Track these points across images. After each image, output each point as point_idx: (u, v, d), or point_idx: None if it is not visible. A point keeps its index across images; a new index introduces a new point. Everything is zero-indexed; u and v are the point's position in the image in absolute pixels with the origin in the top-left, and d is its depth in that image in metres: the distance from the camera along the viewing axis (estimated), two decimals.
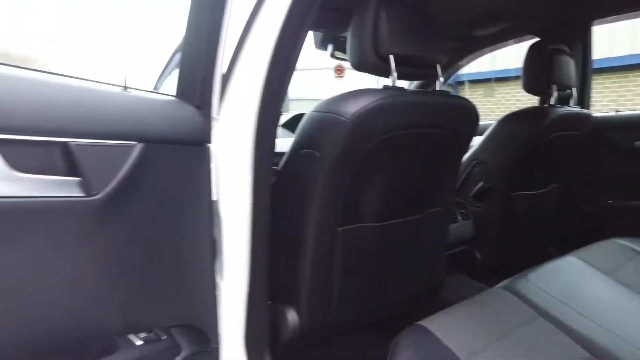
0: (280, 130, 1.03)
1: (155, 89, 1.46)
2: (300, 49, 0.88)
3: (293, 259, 1.01)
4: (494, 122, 1.51)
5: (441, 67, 1.02)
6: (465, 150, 1.15)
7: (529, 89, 1.47)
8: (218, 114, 0.76)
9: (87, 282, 0.59)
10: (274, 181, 0.98)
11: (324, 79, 8.09)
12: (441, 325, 0.88)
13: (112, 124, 0.59)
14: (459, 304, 0.98)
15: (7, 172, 0.47)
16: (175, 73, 1.19)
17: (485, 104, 8.71)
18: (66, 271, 0.57)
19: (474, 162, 1.53)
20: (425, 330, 0.86)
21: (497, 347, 0.83)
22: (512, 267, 1.13)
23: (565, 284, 1.02)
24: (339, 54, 1.52)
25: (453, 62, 2.10)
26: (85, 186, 0.55)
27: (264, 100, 0.80)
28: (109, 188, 0.57)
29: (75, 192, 0.54)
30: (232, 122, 0.79)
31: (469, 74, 8.61)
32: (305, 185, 0.94)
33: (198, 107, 0.72)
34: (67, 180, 0.54)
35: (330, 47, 1.49)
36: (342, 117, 0.86)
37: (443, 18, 1.43)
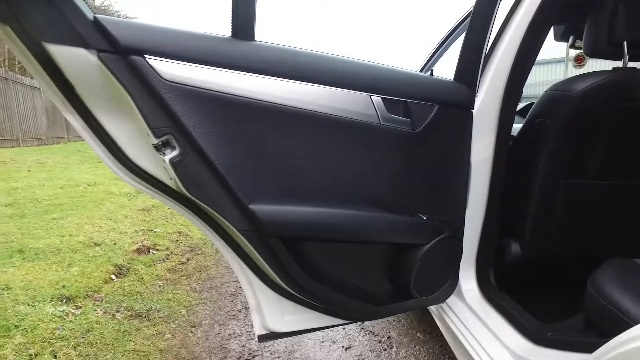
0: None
1: (426, 66, 1.97)
2: (542, 42, 1.17)
3: (522, 202, 1.29)
4: None
5: None
6: None
7: None
8: (478, 90, 1.16)
9: (405, 177, 1.09)
10: (511, 144, 1.28)
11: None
12: None
13: (426, 93, 1.07)
14: None
15: (386, 113, 1.02)
16: (445, 57, 1.70)
17: None
18: (397, 169, 1.08)
19: None
20: (629, 260, 1.03)
21: None
22: None
23: None
24: (579, 43, 1.66)
25: None
26: (412, 124, 1.05)
27: (509, 83, 1.15)
28: (422, 127, 1.05)
29: (408, 127, 1.05)
30: (486, 96, 1.17)
31: None
32: (537, 145, 1.23)
33: (468, 86, 1.13)
34: (405, 120, 1.05)
35: (571, 38, 1.65)
36: (571, 93, 1.13)
37: None
